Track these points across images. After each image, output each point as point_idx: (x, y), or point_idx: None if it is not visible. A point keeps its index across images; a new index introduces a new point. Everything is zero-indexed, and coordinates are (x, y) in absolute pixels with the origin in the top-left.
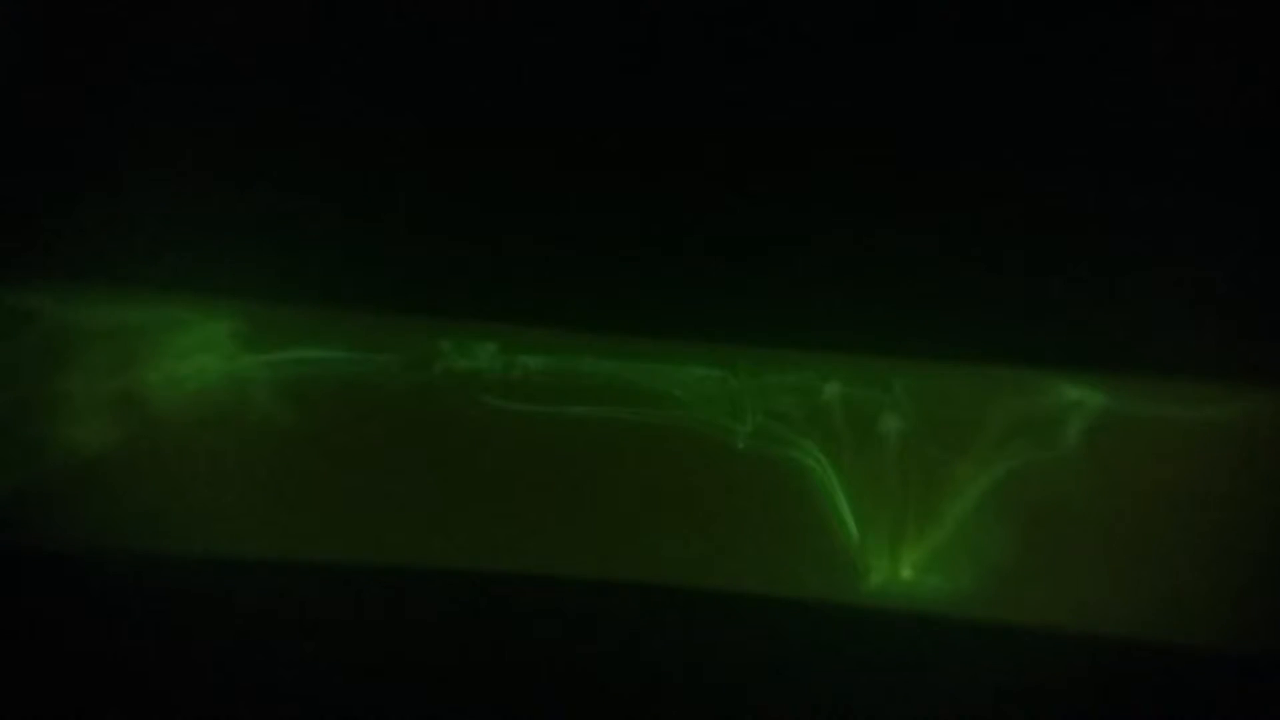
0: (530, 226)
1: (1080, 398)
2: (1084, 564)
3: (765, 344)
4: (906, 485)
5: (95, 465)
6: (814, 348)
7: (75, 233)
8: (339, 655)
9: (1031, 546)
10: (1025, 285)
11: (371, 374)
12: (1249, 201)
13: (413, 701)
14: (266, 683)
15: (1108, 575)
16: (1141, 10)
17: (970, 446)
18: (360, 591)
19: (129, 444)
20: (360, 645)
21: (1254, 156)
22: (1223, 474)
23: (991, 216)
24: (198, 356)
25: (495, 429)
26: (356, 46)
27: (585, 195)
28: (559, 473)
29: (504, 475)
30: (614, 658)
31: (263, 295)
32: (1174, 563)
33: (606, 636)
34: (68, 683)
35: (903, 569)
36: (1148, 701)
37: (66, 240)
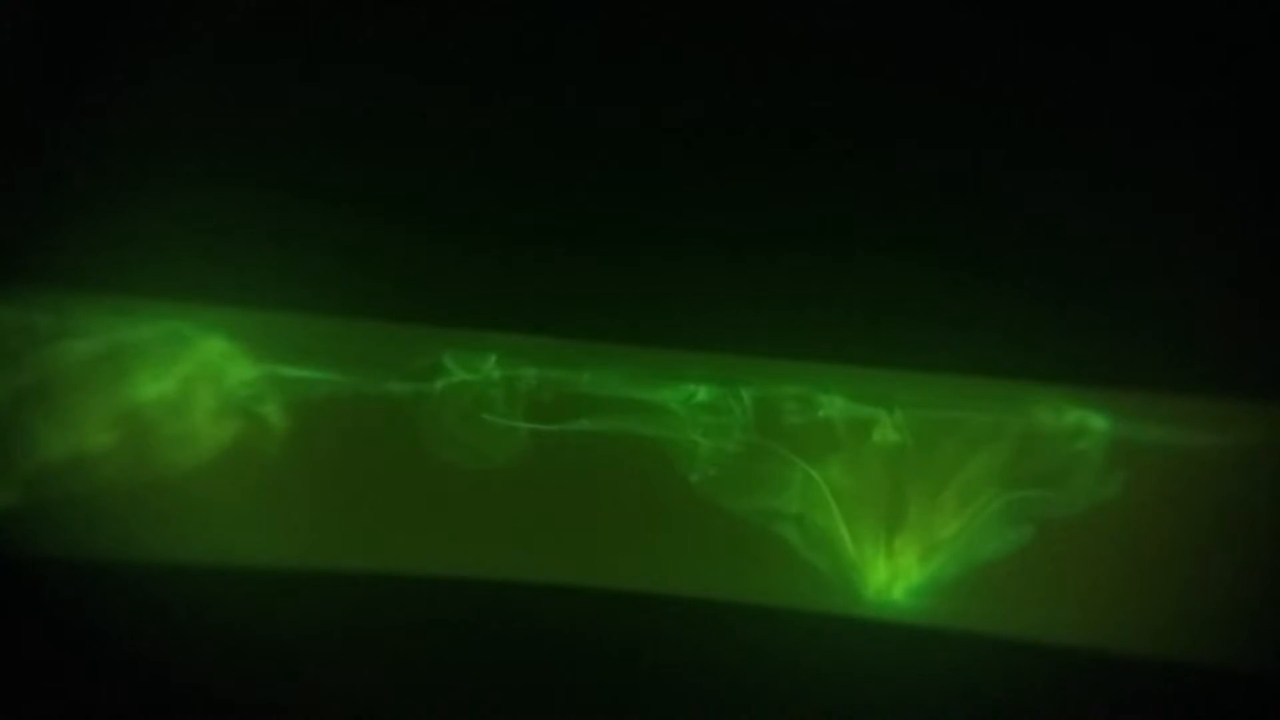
0: (531, 236)
1: (1082, 414)
2: (1083, 582)
3: (764, 356)
4: (904, 500)
5: (95, 479)
6: (813, 361)
7: (73, 246)
8: (337, 662)
9: (1030, 564)
10: (1028, 300)
11: (370, 385)
12: (1252, 213)
13: (413, 706)
14: (266, 691)
15: (1108, 593)
16: (1140, 22)
17: (969, 462)
18: (358, 602)
19: (129, 457)
20: (359, 653)
21: (1258, 169)
22: (1226, 491)
23: (993, 230)
24: (196, 370)
25: (495, 440)
26: (356, 52)
27: (586, 204)
28: (556, 484)
29: (503, 486)
30: (609, 666)
31: (263, 307)
32: (1175, 580)
33: (602, 645)
34: (66, 692)
35: (898, 584)
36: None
37: (64, 254)
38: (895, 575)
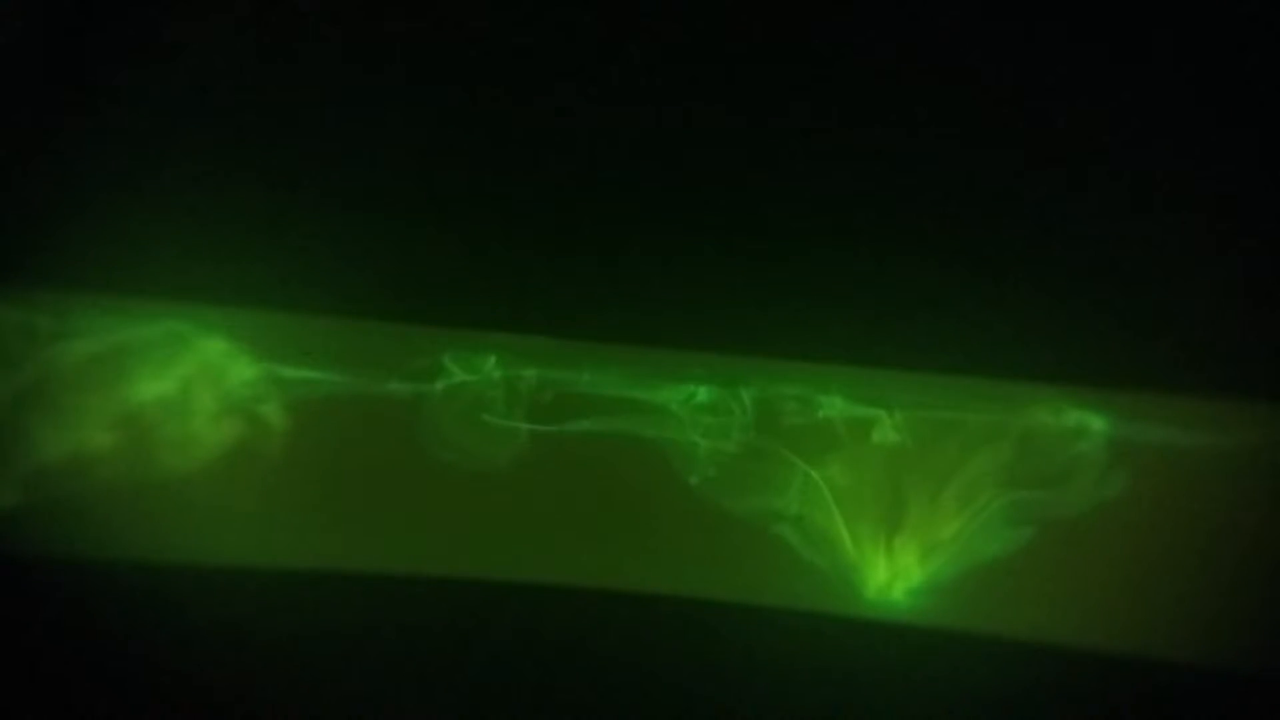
0: (531, 236)
1: (1082, 414)
2: (1083, 583)
3: (764, 356)
4: (904, 501)
5: (95, 479)
6: (813, 361)
7: (73, 246)
8: (337, 662)
9: (1030, 565)
10: (1028, 300)
11: (370, 385)
12: (1252, 213)
13: (412, 707)
14: (267, 691)
15: (1107, 594)
16: (1139, 21)
17: (969, 463)
18: (358, 602)
19: (129, 458)
20: (359, 653)
21: (1258, 169)
22: (1226, 491)
23: (993, 230)
24: (196, 370)
25: (495, 441)
26: (356, 52)
27: (586, 204)
28: (556, 484)
29: (503, 487)
30: (609, 667)
31: (263, 307)
32: (1175, 581)
33: (602, 646)
34: (67, 692)
35: (898, 584)
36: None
37: (64, 254)
38: (895, 575)
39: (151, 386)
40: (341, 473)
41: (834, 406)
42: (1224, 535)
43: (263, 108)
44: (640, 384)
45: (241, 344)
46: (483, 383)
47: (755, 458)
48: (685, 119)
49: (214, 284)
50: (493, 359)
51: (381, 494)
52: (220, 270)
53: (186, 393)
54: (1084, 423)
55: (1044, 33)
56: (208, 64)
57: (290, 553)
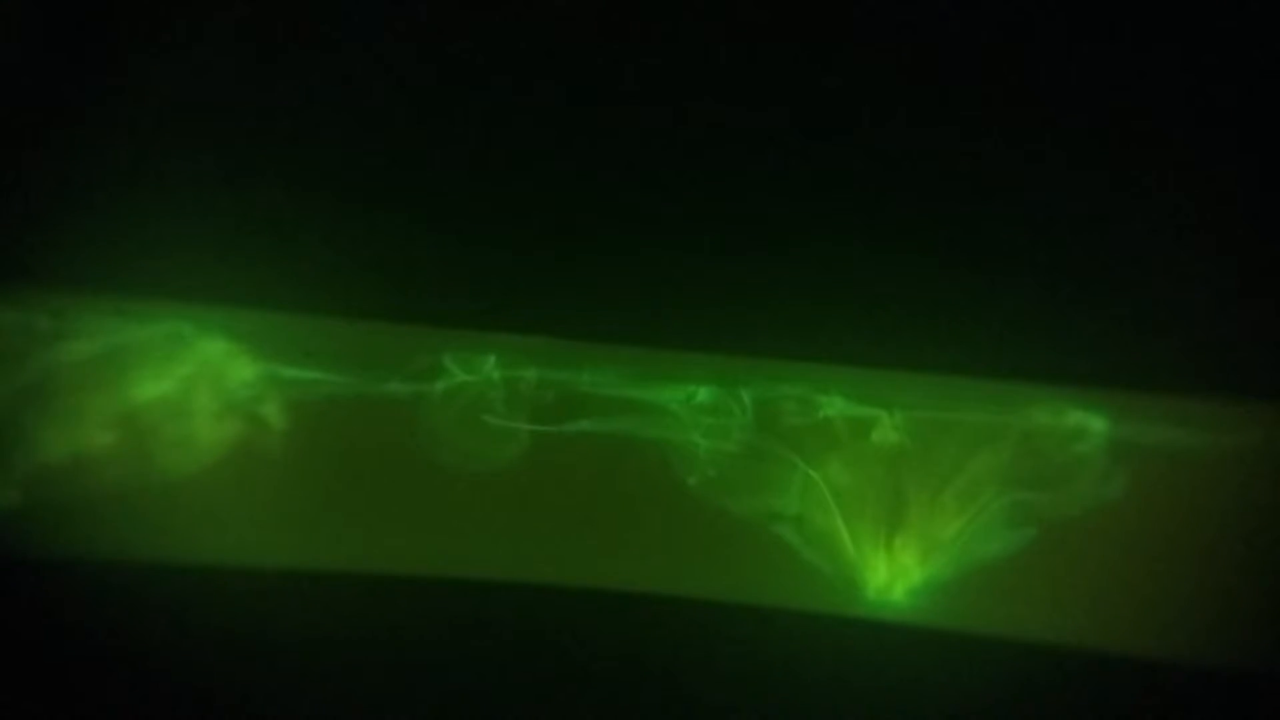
0: (531, 236)
1: (1082, 415)
2: (1083, 583)
3: (764, 356)
4: (904, 501)
5: (96, 479)
6: (813, 361)
7: (73, 246)
8: (337, 663)
9: (1030, 565)
10: (1027, 300)
11: (370, 386)
12: (1252, 213)
13: (412, 707)
14: (266, 691)
15: (1107, 594)
16: (1139, 20)
17: (969, 463)
18: (358, 602)
19: (129, 458)
20: (359, 654)
21: (1258, 168)
22: (1226, 491)
23: (993, 230)
24: (197, 370)
25: (494, 441)
26: (356, 52)
27: (586, 203)
28: (556, 485)
29: (503, 487)
30: (609, 667)
31: (263, 307)
32: (1175, 581)
33: (602, 646)
34: (67, 692)
35: (898, 584)
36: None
37: (64, 254)
38: (895, 575)
39: (152, 387)
40: (341, 473)
41: (834, 406)
42: (1224, 535)
43: (263, 107)
44: (640, 384)
45: (241, 344)
46: (483, 383)
47: (755, 458)
48: (685, 119)
49: (214, 284)
50: (493, 359)
51: (381, 494)
52: (220, 270)
53: (187, 393)
54: (1084, 423)
55: (1044, 33)
56: (208, 64)
57: (290, 553)
